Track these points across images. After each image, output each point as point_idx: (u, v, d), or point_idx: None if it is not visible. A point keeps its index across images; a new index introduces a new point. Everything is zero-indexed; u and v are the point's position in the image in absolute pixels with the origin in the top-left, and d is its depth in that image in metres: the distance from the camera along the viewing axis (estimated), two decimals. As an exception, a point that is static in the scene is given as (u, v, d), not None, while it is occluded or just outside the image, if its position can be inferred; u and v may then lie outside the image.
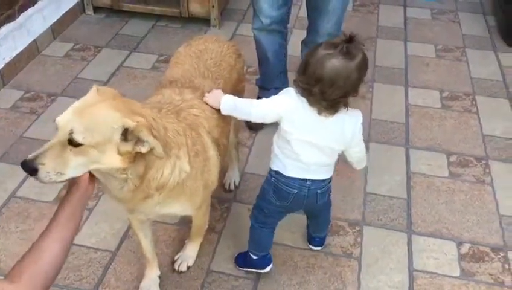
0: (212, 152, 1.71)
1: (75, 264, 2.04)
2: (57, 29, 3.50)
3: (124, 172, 1.39)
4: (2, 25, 3.02)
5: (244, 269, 2.03)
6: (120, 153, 1.33)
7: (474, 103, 3.00)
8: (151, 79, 3.11)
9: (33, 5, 3.27)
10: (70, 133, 1.27)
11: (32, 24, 3.25)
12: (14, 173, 2.43)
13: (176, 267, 2.03)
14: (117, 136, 1.31)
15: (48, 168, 1.28)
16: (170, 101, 1.67)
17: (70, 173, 1.31)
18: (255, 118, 1.77)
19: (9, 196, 2.33)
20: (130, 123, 1.31)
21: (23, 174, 2.38)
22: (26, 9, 3.21)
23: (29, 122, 2.77)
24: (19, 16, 3.15)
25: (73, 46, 3.43)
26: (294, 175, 1.72)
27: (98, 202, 2.29)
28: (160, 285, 1.97)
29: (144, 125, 1.34)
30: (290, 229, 2.20)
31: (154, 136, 1.36)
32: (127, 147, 1.33)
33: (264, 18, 2.46)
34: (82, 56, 3.34)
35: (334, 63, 1.52)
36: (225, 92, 1.83)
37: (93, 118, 1.30)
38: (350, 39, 1.55)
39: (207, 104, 1.75)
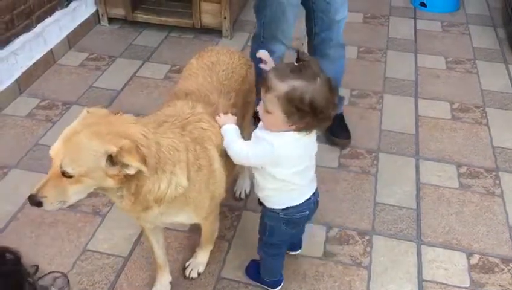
0: (218, 165, 1.71)
1: (88, 269, 2.08)
2: (73, 39, 3.57)
3: (119, 190, 1.46)
4: (20, 35, 3.09)
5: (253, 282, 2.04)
6: (112, 176, 1.39)
7: (484, 114, 3.01)
8: (163, 89, 3.16)
9: (50, 16, 3.35)
10: (61, 167, 1.35)
11: (48, 34, 3.33)
12: (30, 179, 2.47)
13: (187, 273, 2.06)
14: (103, 163, 1.36)
15: (50, 199, 1.39)
16: (179, 114, 1.67)
17: (73, 199, 1.42)
18: (236, 161, 1.70)
19: (24, 201, 2.36)
20: (112, 149, 1.35)
21: (38, 180, 2.46)
22: (43, 20, 3.29)
23: (45, 129, 2.82)
24: (36, 25, 3.23)
25: (88, 55, 3.50)
26: (303, 200, 1.70)
27: (111, 209, 2.33)
28: (171, 291, 2.00)
29: (127, 149, 1.36)
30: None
31: (141, 156, 1.39)
32: (114, 171, 1.38)
33: (287, 40, 2.44)
34: (96, 66, 3.40)
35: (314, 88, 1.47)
36: (236, 105, 1.85)
37: (77, 149, 1.36)
38: (298, 58, 1.50)
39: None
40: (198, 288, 2.03)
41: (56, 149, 1.37)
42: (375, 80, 3.31)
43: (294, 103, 1.45)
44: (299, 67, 1.47)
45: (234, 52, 2.09)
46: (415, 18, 4.09)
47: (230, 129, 1.69)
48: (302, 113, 1.47)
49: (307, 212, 1.73)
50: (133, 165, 1.37)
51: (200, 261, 2.07)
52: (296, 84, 1.45)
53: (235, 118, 1.76)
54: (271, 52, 2.45)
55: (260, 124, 1.65)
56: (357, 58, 3.50)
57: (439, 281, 2.07)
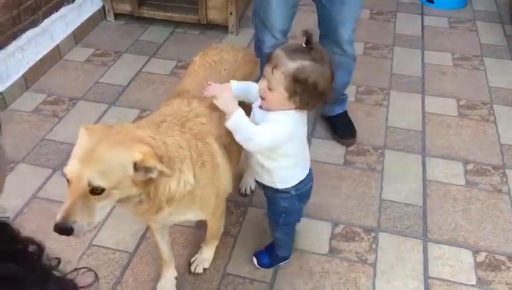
0: (221, 159, 1.70)
1: (94, 265, 2.08)
2: (79, 35, 3.58)
3: (138, 196, 1.44)
4: (26, 30, 3.10)
5: (271, 268, 2.08)
6: (135, 184, 1.38)
7: (491, 111, 2.99)
8: (169, 84, 3.16)
9: (56, 11, 3.35)
10: (90, 185, 1.30)
11: (55, 29, 3.33)
12: (36, 174, 2.50)
13: (192, 269, 2.06)
14: (130, 170, 1.35)
15: (80, 223, 1.32)
16: (176, 112, 1.66)
17: (99, 217, 1.37)
18: (253, 148, 1.65)
19: (31, 196, 2.38)
20: (138, 156, 1.34)
21: (45, 175, 2.48)
22: (49, 15, 3.29)
23: (51, 125, 2.83)
24: (42, 21, 3.23)
25: (94, 51, 3.50)
26: (306, 173, 1.80)
27: (117, 204, 2.34)
28: (177, 286, 2.00)
29: (149, 153, 1.37)
30: (306, 234, 2.22)
31: (159, 158, 1.39)
32: (140, 176, 1.38)
33: (278, 33, 2.41)
34: (103, 61, 3.40)
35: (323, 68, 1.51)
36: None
37: (104, 162, 1.33)
38: (308, 41, 1.52)
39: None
40: (204, 284, 2.03)
41: (76, 170, 1.31)
42: (381, 77, 3.29)
43: (299, 82, 1.49)
44: (309, 49, 1.50)
45: (239, 49, 2.06)
46: (422, 14, 4.06)
47: (240, 120, 1.59)
48: (304, 93, 1.51)
49: (311, 183, 1.84)
50: (158, 168, 1.36)
51: (205, 256, 2.08)
52: (305, 64, 1.48)
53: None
54: (261, 42, 2.48)
55: (254, 106, 1.68)
56: (363, 55, 3.48)
57: (445, 279, 2.06)
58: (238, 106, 1.63)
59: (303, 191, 1.80)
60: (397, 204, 2.39)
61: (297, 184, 1.77)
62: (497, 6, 4.16)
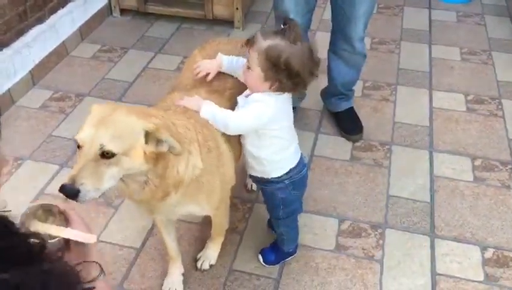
0: (224, 147, 1.71)
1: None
2: (85, 31, 3.58)
3: (146, 174, 1.43)
4: (33, 27, 3.10)
5: (277, 264, 2.07)
6: (145, 155, 1.37)
7: (500, 106, 2.97)
8: (175, 80, 3.15)
9: (62, 7, 3.35)
10: (102, 148, 1.30)
11: (61, 26, 3.33)
12: (43, 170, 2.50)
13: (199, 265, 2.07)
14: (141, 139, 1.36)
15: (87, 186, 1.29)
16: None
17: (106, 185, 1.34)
18: (233, 130, 1.69)
19: (38, 192, 2.39)
20: (150, 126, 1.36)
21: (52, 171, 2.49)
22: (55, 12, 3.29)
23: (58, 121, 2.84)
24: (48, 17, 3.23)
25: (101, 47, 3.50)
26: (298, 158, 1.81)
27: (124, 200, 2.34)
28: (183, 282, 2.00)
29: (162, 125, 1.39)
30: (312, 230, 2.22)
31: (171, 134, 1.41)
32: (151, 148, 1.38)
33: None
34: (109, 57, 3.40)
35: (295, 49, 1.57)
36: (235, 94, 1.81)
37: (116, 126, 1.34)
38: (285, 23, 1.62)
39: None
40: (210, 280, 2.03)
41: (88, 133, 1.32)
42: (388, 72, 3.27)
43: (271, 60, 1.56)
44: (283, 30, 1.59)
45: (238, 41, 2.06)
46: (429, 8, 4.02)
47: (211, 108, 1.66)
48: (277, 71, 1.57)
49: (305, 169, 1.86)
50: (168, 140, 1.38)
51: (211, 253, 2.08)
52: (277, 43, 1.57)
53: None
54: None
55: (239, 96, 1.72)
56: (370, 49, 3.46)
57: (452, 275, 2.05)
58: (202, 100, 1.69)
59: (297, 178, 1.82)
60: (404, 200, 2.38)
61: (289, 171, 1.79)
62: (506, 0, 4.11)
